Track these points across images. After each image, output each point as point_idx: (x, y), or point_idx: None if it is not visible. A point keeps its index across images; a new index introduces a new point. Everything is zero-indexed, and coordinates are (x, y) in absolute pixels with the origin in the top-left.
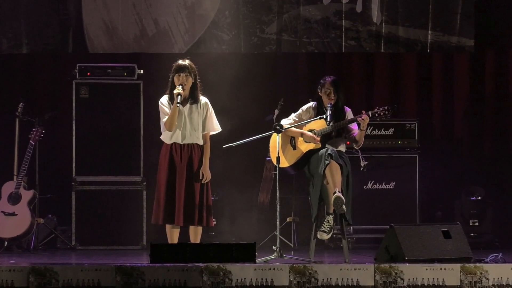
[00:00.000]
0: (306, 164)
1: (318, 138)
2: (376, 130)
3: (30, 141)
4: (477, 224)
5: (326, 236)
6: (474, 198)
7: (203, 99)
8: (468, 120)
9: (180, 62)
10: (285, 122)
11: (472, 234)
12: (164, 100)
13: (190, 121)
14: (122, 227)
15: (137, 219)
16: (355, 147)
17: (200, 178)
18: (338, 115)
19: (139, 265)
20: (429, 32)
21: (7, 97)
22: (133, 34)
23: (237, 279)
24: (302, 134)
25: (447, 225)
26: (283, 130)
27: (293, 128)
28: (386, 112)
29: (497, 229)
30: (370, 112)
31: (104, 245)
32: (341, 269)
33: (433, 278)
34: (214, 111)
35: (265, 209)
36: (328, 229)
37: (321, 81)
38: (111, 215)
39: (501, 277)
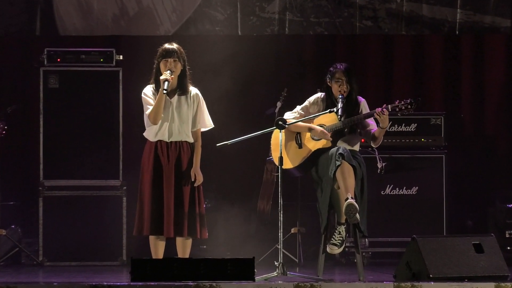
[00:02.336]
0: (313, 165)
1: (330, 134)
2: (396, 125)
3: None
4: None
5: (337, 250)
6: (510, 205)
7: (194, 90)
8: (503, 113)
9: (167, 45)
10: (289, 116)
11: (508, 248)
12: (148, 90)
13: (178, 115)
14: (98, 239)
15: (115, 230)
16: (373, 145)
17: (192, 180)
18: (351, 108)
19: (118, 284)
20: (458, 10)
21: None
22: (111, 14)
23: None
24: (310, 129)
25: (479, 237)
26: (286, 125)
27: (299, 123)
28: (409, 106)
29: None
30: (389, 106)
31: (76, 261)
32: None
33: None
34: (206, 103)
35: (265, 218)
36: (339, 241)
37: (331, 69)
38: (85, 226)
39: None
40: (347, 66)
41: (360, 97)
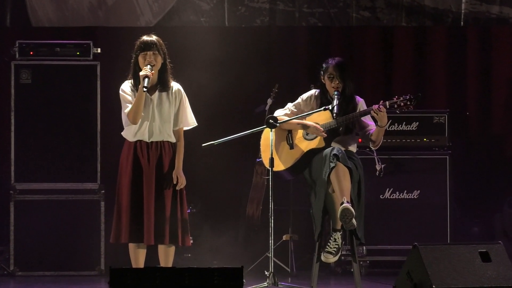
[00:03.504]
0: (306, 167)
1: (324, 134)
2: (396, 124)
3: None
4: None
5: (332, 259)
6: None
7: (175, 86)
8: None
9: (145, 37)
10: (280, 113)
11: None
12: (126, 87)
13: (159, 113)
14: (74, 247)
15: (93, 237)
16: (372, 147)
17: (174, 183)
18: (346, 106)
19: None
20: (463, 0)
21: None
22: (88, 3)
23: None
24: (303, 126)
25: (485, 245)
26: (277, 124)
27: (290, 120)
28: (408, 103)
29: None
30: (387, 102)
31: (51, 270)
32: None
33: None
34: (189, 100)
35: (255, 224)
36: (334, 249)
37: (324, 64)
38: (60, 232)
39: None
40: (339, 60)
41: (358, 96)
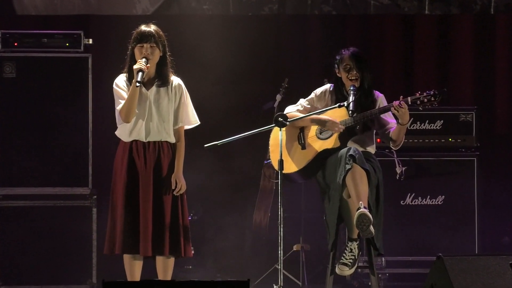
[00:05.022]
0: (320, 169)
1: (342, 127)
2: (418, 123)
3: None
4: None
5: (348, 271)
6: None
7: (176, 80)
8: None
9: (143, 28)
10: (291, 110)
11: None
12: (120, 81)
13: (157, 110)
14: (63, 258)
15: (84, 247)
16: (393, 147)
17: (173, 188)
18: (364, 102)
19: None
20: None
21: None
22: None
23: None
24: (318, 121)
25: None
26: (288, 122)
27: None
28: (432, 98)
29: None
30: (409, 98)
31: (37, 284)
32: None
33: None
34: (191, 96)
35: (263, 232)
36: (350, 261)
37: (338, 56)
38: (48, 242)
39: None
40: (355, 50)
41: (377, 92)
